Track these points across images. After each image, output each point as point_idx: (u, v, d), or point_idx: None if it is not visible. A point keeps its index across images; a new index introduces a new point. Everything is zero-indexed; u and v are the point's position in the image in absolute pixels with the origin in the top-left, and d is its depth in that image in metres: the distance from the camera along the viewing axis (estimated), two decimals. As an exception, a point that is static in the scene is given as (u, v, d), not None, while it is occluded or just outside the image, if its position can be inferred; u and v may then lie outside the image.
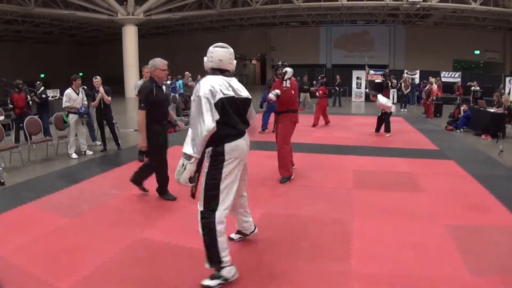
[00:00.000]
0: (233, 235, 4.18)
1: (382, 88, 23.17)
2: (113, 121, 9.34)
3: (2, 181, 6.39)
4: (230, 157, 3.32)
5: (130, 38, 26.42)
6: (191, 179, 3.27)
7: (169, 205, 5.45)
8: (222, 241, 3.29)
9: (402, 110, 18.98)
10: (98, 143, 9.71)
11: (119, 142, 9.40)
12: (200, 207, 3.36)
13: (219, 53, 3.48)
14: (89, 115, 9.41)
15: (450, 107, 16.88)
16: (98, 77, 8.90)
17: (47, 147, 8.81)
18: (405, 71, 24.96)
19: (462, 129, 12.80)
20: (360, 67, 25.60)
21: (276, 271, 3.64)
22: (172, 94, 17.69)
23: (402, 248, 4.13)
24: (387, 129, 11.72)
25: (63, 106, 8.73)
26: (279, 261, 3.82)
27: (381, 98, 12.00)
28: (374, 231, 4.57)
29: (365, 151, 9.20)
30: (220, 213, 3.30)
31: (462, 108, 13.83)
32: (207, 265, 3.35)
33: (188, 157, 3.19)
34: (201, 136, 3.13)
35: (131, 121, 15.57)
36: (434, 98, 17.18)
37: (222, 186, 3.31)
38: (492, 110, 12.35)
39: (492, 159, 8.40)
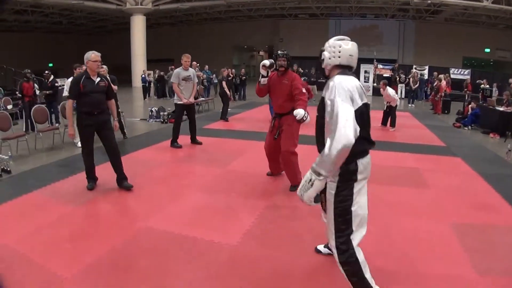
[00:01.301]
0: (321, 247, 3.82)
1: (390, 83, 23.10)
2: (119, 110, 9.34)
3: (8, 169, 6.42)
4: (362, 176, 2.84)
5: (138, 28, 26.44)
6: (316, 199, 2.77)
7: (174, 194, 5.46)
8: (369, 276, 2.84)
9: (410, 105, 18.88)
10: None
11: (125, 131, 9.44)
12: (332, 242, 2.83)
13: (349, 47, 2.91)
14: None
15: (458, 104, 16.76)
16: (104, 66, 8.90)
17: (54, 136, 8.83)
18: (414, 66, 24.82)
19: (470, 127, 12.72)
20: (369, 61, 25.45)
21: (278, 266, 3.64)
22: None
23: (407, 244, 4.11)
24: (393, 124, 11.79)
25: (63, 95, 8.80)
26: (281, 256, 3.82)
27: (389, 89, 12.25)
28: (380, 226, 4.54)
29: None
30: (356, 241, 2.83)
31: (470, 105, 13.74)
32: None
33: (318, 172, 2.64)
34: (340, 151, 2.51)
35: (137, 110, 15.67)
36: (443, 94, 17.06)
37: (353, 208, 2.80)
38: (501, 109, 12.24)
39: (500, 158, 8.33)
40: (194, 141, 8.69)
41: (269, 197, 5.31)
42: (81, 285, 3.23)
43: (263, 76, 5.68)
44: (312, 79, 18.52)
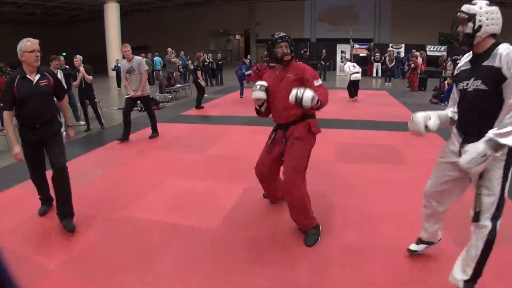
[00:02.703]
0: (416, 247, 3.43)
1: (366, 62, 23.28)
2: (96, 100, 9.27)
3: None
4: None
5: (112, 16, 26.00)
6: None
7: (153, 182, 5.44)
8: None
9: (386, 83, 19.11)
10: (82, 123, 9.61)
11: (102, 121, 9.37)
12: (485, 221, 2.62)
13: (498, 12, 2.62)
14: (72, 95, 9.31)
15: (434, 80, 16.96)
16: (78, 56, 8.79)
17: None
18: (390, 45, 24.98)
19: (446, 102, 12.88)
20: (345, 41, 25.53)
21: (257, 247, 3.70)
22: (156, 70, 17.59)
23: (384, 219, 4.20)
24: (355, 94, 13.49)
25: None
26: (262, 238, 3.88)
27: (346, 65, 13.61)
28: (356, 202, 4.63)
29: (349, 124, 9.27)
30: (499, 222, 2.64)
31: (446, 81, 13.93)
32: (460, 278, 2.77)
33: (499, 145, 2.41)
34: None
35: (114, 99, 15.51)
36: (419, 71, 17.26)
37: (506, 190, 2.61)
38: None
39: None
40: (154, 133, 8.21)
41: (248, 181, 5.31)
42: (67, 276, 3.25)
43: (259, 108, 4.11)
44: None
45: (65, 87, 7.66)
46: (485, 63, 2.57)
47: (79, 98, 9.14)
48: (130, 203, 4.71)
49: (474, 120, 2.69)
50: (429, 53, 24.23)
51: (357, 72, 13.51)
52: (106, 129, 9.25)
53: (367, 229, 3.97)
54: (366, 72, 23.66)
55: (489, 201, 2.58)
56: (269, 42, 3.98)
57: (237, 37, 45.07)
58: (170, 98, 13.90)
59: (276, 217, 4.29)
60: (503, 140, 2.37)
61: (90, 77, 8.75)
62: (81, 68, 8.65)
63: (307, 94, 3.42)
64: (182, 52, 19.61)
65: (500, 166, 2.56)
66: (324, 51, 21.50)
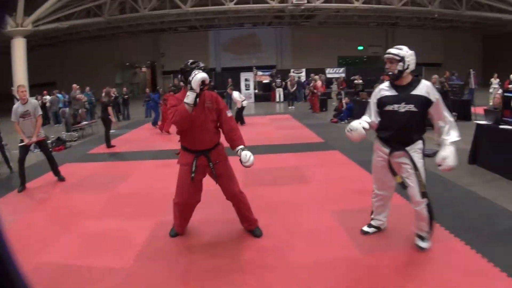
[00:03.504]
0: (369, 229, 4.47)
1: (270, 88, 24.16)
2: (3, 142, 8.80)
3: None
4: None
5: (19, 51, 24.64)
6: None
7: (65, 225, 5.28)
8: None
9: (290, 107, 19.96)
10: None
11: (11, 164, 8.77)
12: (420, 197, 3.78)
13: (414, 55, 3.86)
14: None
15: (335, 101, 17.96)
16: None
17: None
18: (292, 70, 26.12)
19: (346, 120, 13.80)
20: (249, 69, 26.35)
21: (173, 282, 3.79)
22: (62, 108, 17.02)
23: (293, 238, 4.47)
24: (242, 121, 14.23)
25: None
26: (176, 272, 3.98)
27: (235, 93, 14.55)
28: (263, 226, 4.79)
29: (255, 150, 9.39)
30: None
31: (344, 101, 14.88)
32: (426, 233, 3.94)
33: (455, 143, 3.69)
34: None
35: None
36: (319, 93, 18.23)
37: None
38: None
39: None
40: (58, 176, 7.78)
41: (158, 215, 5.39)
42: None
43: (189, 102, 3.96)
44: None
45: None
46: (412, 93, 3.72)
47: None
48: (43, 249, 4.55)
49: (404, 134, 3.80)
50: (328, 75, 25.77)
51: (244, 100, 14.87)
52: (15, 173, 8.72)
53: (277, 250, 4.21)
54: (270, 98, 24.52)
55: (424, 181, 3.76)
56: (187, 70, 4.07)
57: (143, 69, 44.61)
58: (77, 137, 13.42)
59: (189, 250, 4.39)
60: (457, 139, 3.68)
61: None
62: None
63: (252, 158, 4.23)
64: (88, 88, 19.09)
65: (421, 156, 3.81)
66: (229, 80, 21.99)
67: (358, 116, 10.35)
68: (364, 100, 14.24)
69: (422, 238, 3.97)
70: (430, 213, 3.83)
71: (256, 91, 25.53)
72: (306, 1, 24.70)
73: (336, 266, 3.78)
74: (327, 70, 27.04)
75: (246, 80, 25.06)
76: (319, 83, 18.72)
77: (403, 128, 3.76)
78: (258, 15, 31.31)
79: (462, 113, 13.47)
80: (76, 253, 4.41)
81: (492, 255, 3.77)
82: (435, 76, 13.00)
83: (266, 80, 25.99)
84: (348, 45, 35.34)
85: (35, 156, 10.29)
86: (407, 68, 3.73)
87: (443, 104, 3.76)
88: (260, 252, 4.18)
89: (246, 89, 24.77)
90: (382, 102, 3.88)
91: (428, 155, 8.16)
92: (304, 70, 26.47)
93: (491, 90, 19.47)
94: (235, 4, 25.84)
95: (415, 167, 3.74)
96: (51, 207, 6.27)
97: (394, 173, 3.94)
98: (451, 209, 5.14)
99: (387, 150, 3.90)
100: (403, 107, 3.72)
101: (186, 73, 4.08)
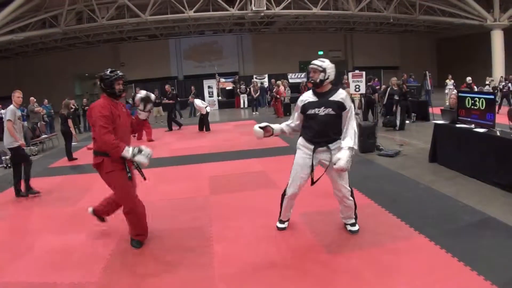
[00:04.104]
0: (282, 225, 4.93)
1: (233, 94, 24.20)
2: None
3: None
4: None
5: None
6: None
7: (27, 242, 5.07)
8: None
9: (254, 113, 20.03)
10: None
11: None
12: (345, 188, 4.48)
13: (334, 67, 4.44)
14: None
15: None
16: None
17: None
18: (254, 76, 26.24)
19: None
20: (211, 76, 26.33)
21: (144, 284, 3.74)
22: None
23: (261, 242, 4.52)
24: (207, 128, 14.47)
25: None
26: (147, 273, 3.93)
27: (197, 101, 14.87)
28: (233, 232, 4.88)
29: (220, 156, 9.61)
30: None
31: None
32: (354, 219, 4.70)
33: (352, 149, 4.19)
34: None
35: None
36: (283, 98, 18.37)
37: None
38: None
39: None
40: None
41: (121, 227, 5.20)
42: None
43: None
44: (157, 101, 18.25)
45: None
46: (331, 99, 4.30)
47: None
48: (5, 268, 4.37)
49: (325, 132, 4.34)
50: (291, 80, 25.98)
51: (208, 106, 15.12)
52: None
53: (247, 255, 4.23)
54: (234, 104, 24.55)
55: (345, 174, 4.45)
56: (106, 78, 4.45)
57: (103, 79, 43.92)
58: (37, 151, 13.00)
59: (160, 257, 4.35)
60: (355, 146, 4.23)
61: None
62: None
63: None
64: (46, 100, 18.56)
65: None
66: (192, 87, 21.91)
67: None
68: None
69: (353, 224, 4.69)
70: (355, 201, 4.61)
71: (220, 98, 25.54)
72: (265, 8, 24.85)
73: (305, 269, 3.83)
74: (289, 75, 27.29)
75: (209, 87, 25.03)
76: (282, 88, 18.87)
77: (324, 128, 4.34)
78: (219, 23, 31.33)
79: (420, 113, 13.92)
80: (41, 270, 4.26)
81: (455, 250, 3.93)
82: (394, 78, 13.29)
83: (229, 86, 26.05)
84: (308, 50, 35.81)
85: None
86: (328, 78, 4.32)
87: (353, 114, 4.36)
88: (227, 259, 4.17)
89: (210, 96, 24.73)
90: (305, 107, 4.43)
91: (389, 155, 8.45)
92: (266, 75, 26.62)
93: (446, 91, 20.16)
94: (195, 12, 25.78)
95: (335, 164, 4.20)
96: (11, 224, 6.02)
97: (312, 169, 4.48)
98: (414, 207, 5.32)
99: (311, 147, 4.42)
100: (323, 111, 4.30)
101: (105, 80, 4.45)
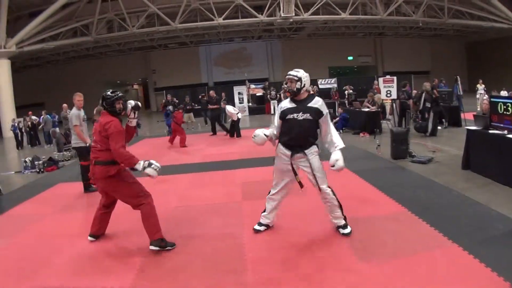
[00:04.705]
0: (259, 227, 5.18)
1: (263, 101, 24.25)
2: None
3: None
4: None
5: (3, 73, 24.71)
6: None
7: (58, 246, 5.20)
8: None
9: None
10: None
11: (0, 187, 8.82)
12: (327, 188, 4.75)
13: (308, 76, 4.77)
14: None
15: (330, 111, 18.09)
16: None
17: None
18: (284, 82, 26.26)
19: (341, 130, 13.92)
20: (241, 82, 26.51)
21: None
22: (52, 128, 17.04)
23: (293, 249, 4.54)
24: (238, 134, 14.70)
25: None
26: (180, 279, 4.00)
27: (228, 107, 14.95)
28: (265, 238, 4.93)
29: (252, 162, 9.68)
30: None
31: (338, 111, 15.07)
32: (344, 220, 4.87)
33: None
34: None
35: (11, 162, 14.70)
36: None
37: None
38: (366, 110, 13.61)
39: (371, 154, 9.54)
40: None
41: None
42: None
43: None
44: (188, 107, 18.51)
45: None
46: (308, 105, 4.64)
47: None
48: (37, 271, 4.48)
49: (302, 137, 4.68)
50: (320, 86, 25.90)
51: (239, 112, 15.25)
52: (4, 195, 8.71)
53: (278, 261, 4.27)
54: (264, 110, 24.63)
55: (323, 177, 4.74)
56: (113, 99, 4.87)
57: (135, 86, 44.70)
58: (70, 156, 13.36)
59: (192, 262, 4.40)
60: (343, 146, 4.67)
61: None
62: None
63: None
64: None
65: (318, 158, 4.72)
66: (223, 94, 22.11)
67: (353, 124, 10.94)
68: (358, 109, 14.41)
69: (344, 227, 4.86)
70: (338, 200, 4.80)
71: (250, 104, 25.65)
72: (294, 14, 24.90)
73: (336, 277, 3.87)
74: (319, 81, 27.19)
75: (239, 93, 25.18)
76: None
77: (301, 132, 4.65)
78: (248, 29, 31.57)
79: (452, 119, 13.70)
80: (71, 275, 4.32)
81: (489, 260, 3.86)
82: (427, 83, 13.13)
83: (259, 93, 26.15)
84: (338, 56, 35.72)
85: (22, 179, 10.29)
86: (303, 86, 4.65)
87: (329, 118, 4.77)
88: (259, 265, 4.24)
89: (240, 103, 24.89)
90: (284, 113, 4.75)
91: (422, 161, 8.39)
92: (296, 81, 26.61)
93: (477, 96, 19.76)
94: (224, 19, 26.03)
95: (312, 168, 4.65)
96: (43, 228, 6.14)
97: (295, 173, 4.78)
98: (447, 215, 5.24)
99: (288, 153, 4.73)
100: (301, 116, 4.63)
101: (106, 100, 4.88)
